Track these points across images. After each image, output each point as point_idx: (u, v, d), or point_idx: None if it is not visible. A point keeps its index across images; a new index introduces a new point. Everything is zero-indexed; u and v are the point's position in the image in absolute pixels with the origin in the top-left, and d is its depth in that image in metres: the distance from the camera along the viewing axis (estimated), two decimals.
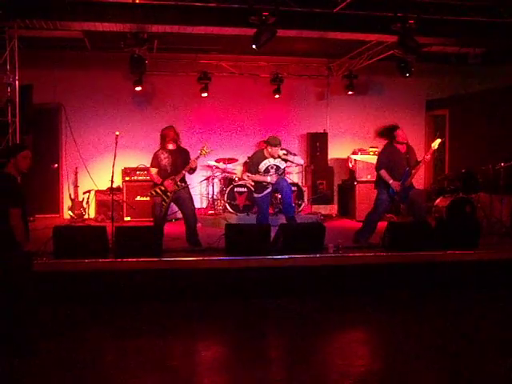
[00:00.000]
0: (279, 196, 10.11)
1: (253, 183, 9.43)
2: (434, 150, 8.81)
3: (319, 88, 13.97)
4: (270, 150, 8.80)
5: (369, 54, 11.94)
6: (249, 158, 9.85)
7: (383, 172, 8.74)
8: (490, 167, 10.29)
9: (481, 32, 9.62)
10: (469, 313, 7.13)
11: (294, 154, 9.14)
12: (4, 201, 5.49)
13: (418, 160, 8.84)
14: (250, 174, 8.98)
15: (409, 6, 8.92)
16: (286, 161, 8.97)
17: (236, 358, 5.78)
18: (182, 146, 8.94)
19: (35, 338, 5.64)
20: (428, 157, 8.79)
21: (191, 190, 9.04)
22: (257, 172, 8.89)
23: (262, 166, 8.88)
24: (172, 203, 8.83)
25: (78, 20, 8.83)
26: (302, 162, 9.52)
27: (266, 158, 8.88)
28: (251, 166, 9.04)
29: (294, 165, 9.25)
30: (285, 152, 8.85)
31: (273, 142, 8.77)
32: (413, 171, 8.71)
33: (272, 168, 8.91)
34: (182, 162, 8.61)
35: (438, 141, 8.70)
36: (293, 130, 13.59)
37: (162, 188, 8.54)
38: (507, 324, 6.64)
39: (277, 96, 13.24)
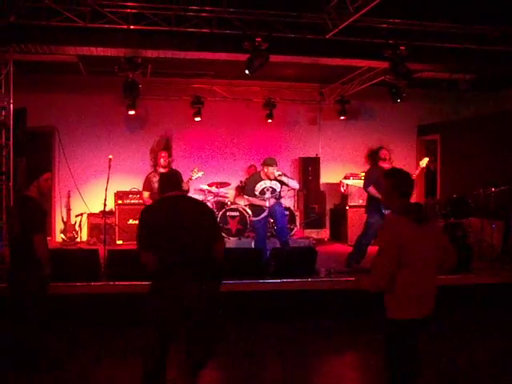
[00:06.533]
0: (271, 220, 10.16)
1: (247, 207, 9.44)
2: (422, 168, 8.96)
3: (311, 113, 14.08)
4: (266, 170, 8.90)
5: (361, 79, 12.07)
6: (244, 180, 9.86)
7: (372, 189, 8.75)
8: (480, 192, 10.31)
9: (471, 59, 9.74)
10: (462, 335, 7.15)
11: (291, 178, 9.21)
12: (27, 226, 5.48)
13: None
14: (247, 197, 9.05)
15: (400, 33, 9.07)
16: (281, 183, 9.02)
17: (228, 379, 5.78)
18: (173, 167, 8.94)
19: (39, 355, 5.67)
20: (416, 173, 8.82)
21: None
22: (253, 193, 8.94)
23: (258, 187, 8.94)
24: None
25: (73, 44, 8.89)
26: (297, 186, 9.53)
27: (262, 179, 8.96)
28: (248, 187, 9.11)
29: (288, 187, 9.28)
30: (280, 173, 8.93)
31: (269, 162, 8.91)
32: None
33: (268, 190, 8.97)
34: None
35: (426, 159, 8.90)
36: (285, 154, 13.63)
37: None
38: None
39: (269, 121, 13.34)
